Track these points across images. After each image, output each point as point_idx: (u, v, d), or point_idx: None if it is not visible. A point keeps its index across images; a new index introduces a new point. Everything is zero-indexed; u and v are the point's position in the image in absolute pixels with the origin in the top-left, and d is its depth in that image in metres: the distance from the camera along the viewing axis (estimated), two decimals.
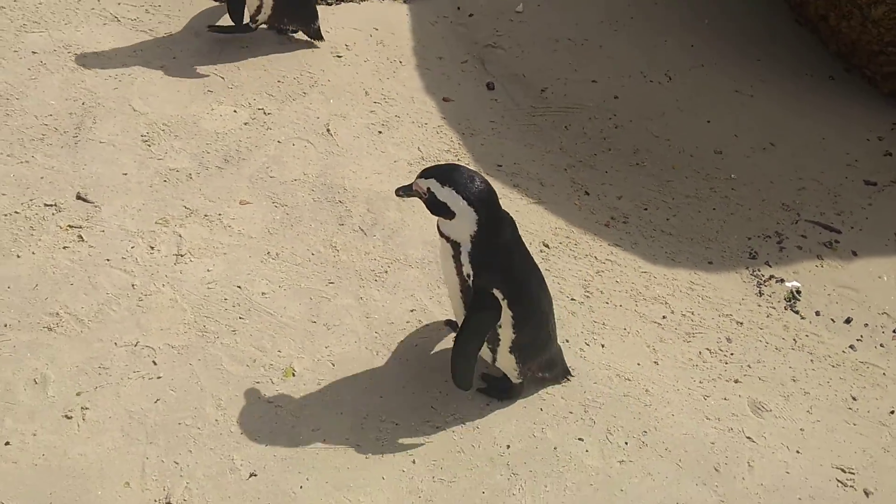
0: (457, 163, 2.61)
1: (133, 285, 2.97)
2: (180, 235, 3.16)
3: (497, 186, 3.66)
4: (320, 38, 4.12)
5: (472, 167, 3.68)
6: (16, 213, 3.11)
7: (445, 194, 2.52)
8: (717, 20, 4.70)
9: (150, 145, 3.48)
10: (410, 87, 4.12)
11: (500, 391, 2.85)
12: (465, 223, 2.54)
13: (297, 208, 3.36)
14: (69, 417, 2.59)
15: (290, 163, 3.55)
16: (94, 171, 3.32)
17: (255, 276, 3.09)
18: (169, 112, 3.65)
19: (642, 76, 4.38)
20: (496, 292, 2.59)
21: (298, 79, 3.96)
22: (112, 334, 2.82)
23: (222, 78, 3.88)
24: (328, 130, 3.74)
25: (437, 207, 2.56)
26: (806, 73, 4.51)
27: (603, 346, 3.08)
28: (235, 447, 2.59)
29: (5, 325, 2.78)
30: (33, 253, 3.00)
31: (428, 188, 2.54)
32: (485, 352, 2.72)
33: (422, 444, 2.68)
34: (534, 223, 3.53)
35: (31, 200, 3.16)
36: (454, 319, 2.91)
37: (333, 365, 2.86)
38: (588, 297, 3.26)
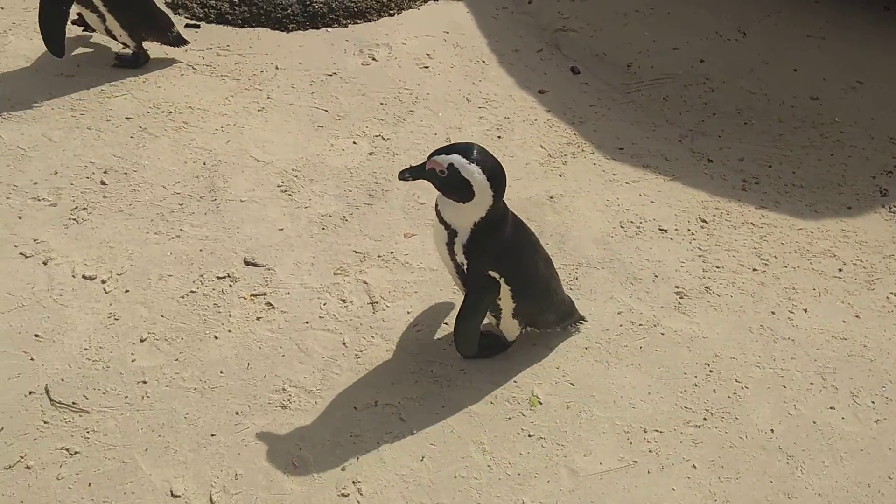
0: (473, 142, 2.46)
1: (344, 343, 2.77)
2: (365, 282, 2.96)
3: (629, 170, 3.62)
4: (183, 42, 3.78)
5: (595, 153, 3.62)
6: (192, 292, 2.86)
7: (471, 172, 2.35)
8: None
9: (290, 195, 3.24)
10: (504, 86, 3.96)
11: (493, 349, 2.78)
12: (477, 209, 2.42)
13: None
14: (345, 496, 2.39)
15: (432, 186, 3.34)
16: (250, 232, 3.07)
17: (454, 312, 2.91)
18: (292, 156, 3.41)
19: (718, 36, 4.30)
20: (492, 273, 2.51)
21: (399, 97, 3.75)
22: (347, 398, 2.61)
23: (326, 111, 3.65)
24: None
25: (457, 187, 2.38)
26: (860, 7, 4.53)
27: (805, 310, 3.03)
28: (519, 489, 2.45)
29: (237, 413, 2.55)
30: (229, 331, 2.76)
31: (450, 164, 2.36)
32: (488, 318, 2.68)
33: (694, 446, 2.57)
34: (680, 200, 3.43)
35: (201, 276, 2.91)
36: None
37: (573, 385, 2.74)
38: (766, 264, 3.19)
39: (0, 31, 3.80)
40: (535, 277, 2.65)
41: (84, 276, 2.88)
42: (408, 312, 2.88)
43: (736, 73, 4.11)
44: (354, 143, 3.50)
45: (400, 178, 2.48)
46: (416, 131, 3.60)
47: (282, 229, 3.11)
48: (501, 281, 2.55)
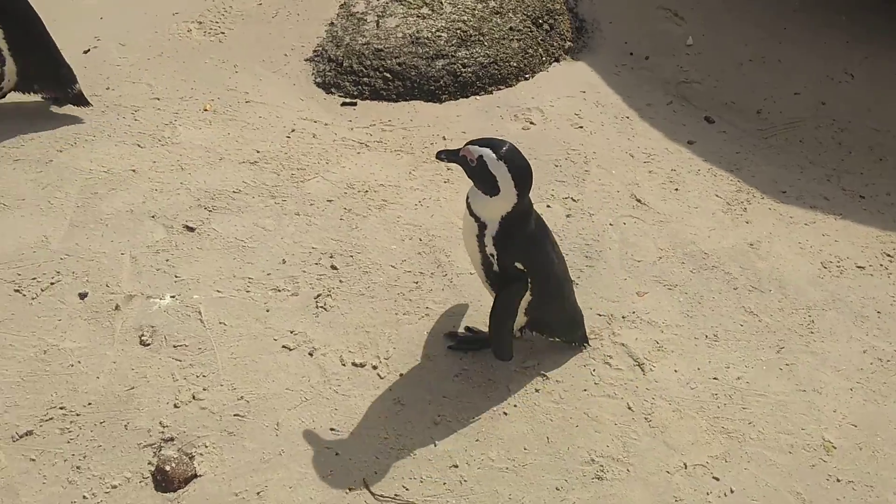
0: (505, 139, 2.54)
1: (629, 407, 2.73)
2: (623, 344, 2.92)
3: (800, 212, 3.70)
4: (84, 102, 3.58)
5: (765, 198, 3.68)
6: (465, 370, 2.78)
7: (498, 168, 2.43)
8: (852, 14, 4.81)
9: None
10: (655, 139, 3.99)
11: (475, 343, 2.84)
12: (503, 203, 2.49)
13: (688, 286, 3.15)
14: None
15: (641, 242, 3.33)
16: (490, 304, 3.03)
17: (718, 364, 2.87)
18: None
19: (830, 79, 4.42)
20: (518, 265, 2.57)
21: (569, 158, 3.71)
22: (656, 463, 2.57)
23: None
24: (638, 200, 3.59)
25: (483, 179, 2.46)
26: None
27: None
28: None
29: (557, 489, 2.45)
30: (515, 405, 2.65)
31: (480, 156, 2.44)
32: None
33: None
34: (858, 237, 3.48)
35: (463, 353, 2.85)
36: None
37: (855, 426, 2.71)
38: None
39: (166, 122, 3.68)
40: (552, 273, 2.68)
41: (354, 364, 2.78)
42: (675, 371, 2.86)
43: (857, 113, 4.22)
44: (548, 206, 3.48)
45: (436, 158, 2.57)
46: (600, 190, 3.60)
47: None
48: (525, 272, 2.58)
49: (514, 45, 4.25)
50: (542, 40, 4.38)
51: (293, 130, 3.72)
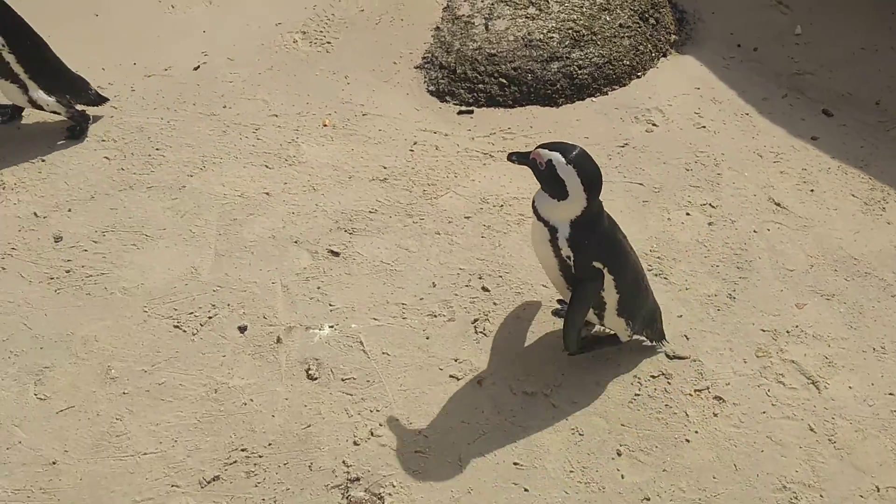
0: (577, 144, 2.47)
1: (811, 429, 2.60)
2: (793, 361, 2.79)
3: None
4: (103, 100, 3.58)
5: None
6: (637, 395, 2.67)
7: (567, 173, 2.38)
8: None
9: (666, 278, 3.05)
10: (779, 136, 3.82)
11: (598, 346, 2.81)
12: (572, 206, 2.43)
13: (845, 295, 3.02)
14: None
15: (789, 250, 3.19)
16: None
17: (891, 378, 2.76)
18: (640, 236, 3.21)
19: None
20: (596, 264, 2.50)
21: (699, 161, 3.57)
22: (848, 485, 2.48)
23: (640, 184, 3.47)
24: (777, 204, 3.46)
25: (552, 184, 2.42)
26: None
27: None
28: None
29: None
30: (696, 432, 2.58)
31: (549, 161, 2.39)
32: (591, 316, 2.67)
33: None
34: None
35: (636, 378, 2.73)
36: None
37: None
38: None
39: (289, 140, 3.59)
40: (631, 269, 2.63)
41: (525, 392, 2.68)
42: (849, 387, 2.76)
43: None
44: (688, 214, 3.36)
45: (508, 159, 2.53)
46: (736, 194, 3.47)
47: (680, 316, 2.95)
48: (605, 271, 2.52)
49: (626, 42, 4.10)
50: (650, 35, 4.22)
51: (415, 143, 3.62)
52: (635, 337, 2.77)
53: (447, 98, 3.90)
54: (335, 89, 3.88)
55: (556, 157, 2.39)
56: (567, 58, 3.95)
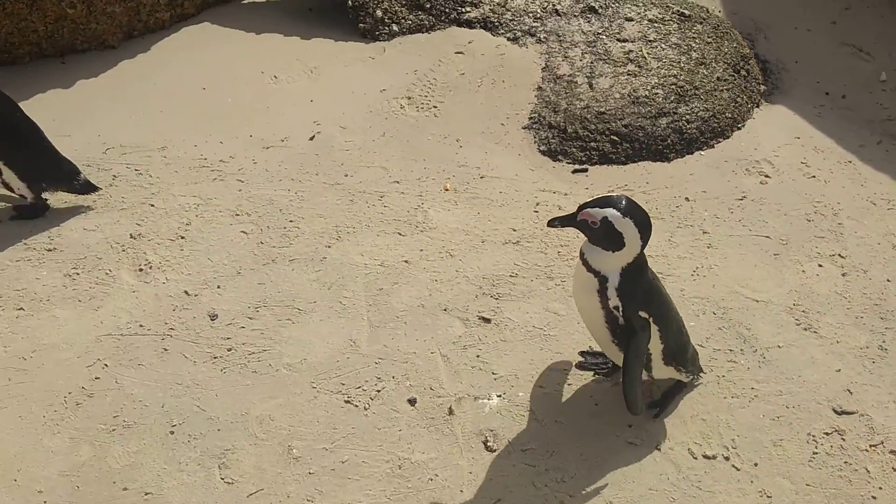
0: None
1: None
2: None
3: None
4: (93, 188, 3.50)
5: None
6: (815, 454, 2.65)
7: (624, 225, 2.38)
8: None
9: (815, 332, 3.05)
10: (886, 183, 3.84)
11: (672, 398, 2.80)
12: (627, 254, 2.43)
13: None
14: None
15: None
16: (813, 378, 2.86)
17: None
18: (779, 290, 3.22)
19: None
20: (642, 314, 2.49)
21: (818, 211, 3.58)
22: None
23: (767, 237, 3.47)
24: None
25: (610, 238, 2.40)
26: None
27: None
28: None
29: None
30: (880, 487, 2.60)
31: (604, 218, 2.38)
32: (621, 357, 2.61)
33: None
34: None
35: (810, 436, 2.70)
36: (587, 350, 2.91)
37: None
38: None
39: (415, 207, 3.59)
40: (672, 316, 2.63)
41: (705, 456, 2.65)
42: None
43: None
44: (820, 265, 3.36)
45: (549, 226, 2.53)
46: (861, 244, 3.47)
47: (838, 370, 2.94)
48: (651, 321, 2.51)
49: (725, 95, 4.15)
50: (744, 87, 4.27)
51: (538, 203, 3.64)
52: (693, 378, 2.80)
53: (560, 157, 3.93)
54: (449, 153, 3.91)
55: (611, 212, 2.38)
56: (674, 113, 3.99)
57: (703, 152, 4.00)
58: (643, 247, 2.45)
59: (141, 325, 3.04)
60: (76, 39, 4.30)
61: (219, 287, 3.20)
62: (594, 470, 2.64)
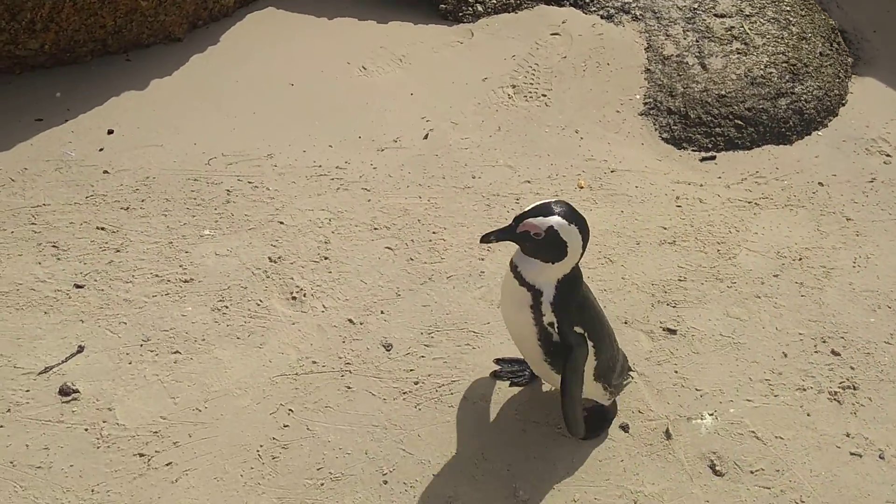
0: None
1: None
2: None
3: None
4: None
5: None
6: None
7: (570, 233, 2.18)
8: None
9: None
10: None
11: (600, 422, 2.61)
12: (566, 265, 2.24)
13: None
14: None
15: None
16: None
17: None
18: None
19: None
20: (577, 329, 2.32)
21: None
22: None
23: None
24: None
25: (553, 249, 2.19)
26: None
27: None
28: None
29: None
30: None
31: (550, 227, 2.17)
32: (556, 379, 2.43)
33: None
34: None
35: None
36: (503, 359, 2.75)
37: None
38: None
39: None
40: (606, 330, 2.47)
41: None
42: None
43: None
44: None
45: (482, 242, 2.27)
46: None
47: None
48: (585, 336, 2.33)
49: (829, 70, 3.99)
50: (840, 61, 4.14)
51: (677, 198, 3.44)
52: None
53: (684, 145, 3.73)
54: (572, 146, 3.67)
55: (557, 220, 2.16)
56: (792, 93, 3.83)
57: (819, 132, 3.85)
58: (581, 255, 2.24)
59: (314, 362, 2.77)
60: (142, 33, 3.84)
61: (382, 312, 2.93)
62: (828, 486, 2.51)
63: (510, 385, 2.71)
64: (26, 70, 3.69)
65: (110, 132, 3.52)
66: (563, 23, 4.17)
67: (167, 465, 2.46)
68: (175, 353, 2.76)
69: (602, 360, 2.42)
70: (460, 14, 4.24)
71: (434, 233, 3.22)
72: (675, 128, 3.75)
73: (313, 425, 2.59)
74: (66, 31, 3.56)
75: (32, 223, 3.13)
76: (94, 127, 3.56)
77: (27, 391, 2.61)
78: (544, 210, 2.17)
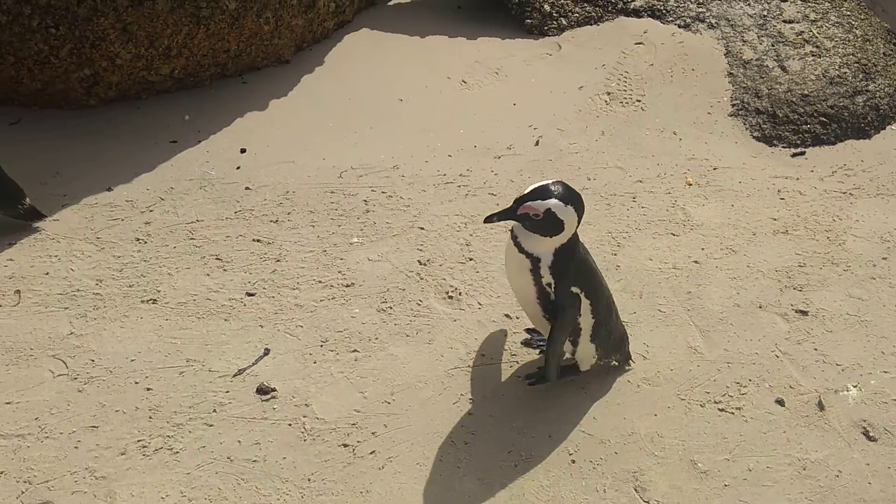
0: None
1: None
2: None
3: None
4: (38, 216, 3.20)
5: None
6: None
7: (566, 213, 2.35)
8: None
9: None
10: None
11: (565, 374, 2.74)
12: (563, 237, 2.40)
13: None
14: None
15: None
16: None
17: None
18: None
19: None
20: (574, 289, 2.49)
21: None
22: None
23: None
24: None
25: (550, 227, 2.36)
26: None
27: None
28: None
29: None
30: None
31: (548, 209, 2.33)
32: (566, 345, 2.63)
33: None
34: None
35: None
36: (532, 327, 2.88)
37: None
38: None
39: (670, 205, 3.54)
40: (603, 292, 2.63)
41: None
42: None
43: None
44: None
45: (486, 222, 2.45)
46: None
47: None
48: (582, 295, 2.51)
49: (894, 69, 4.24)
50: None
51: (779, 191, 3.64)
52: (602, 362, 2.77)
53: (775, 142, 3.94)
54: (673, 147, 3.86)
55: (554, 202, 2.32)
56: (867, 90, 4.05)
57: (893, 126, 4.09)
58: (577, 226, 2.41)
59: (483, 355, 2.91)
60: (258, 56, 3.98)
61: None
62: None
63: (539, 353, 2.87)
64: (152, 95, 3.82)
65: (243, 151, 3.67)
66: (645, 33, 4.37)
67: (371, 453, 2.60)
68: (354, 351, 2.90)
69: (598, 319, 2.57)
70: (545, 28, 4.43)
71: None
72: (765, 126, 3.96)
73: (495, 412, 2.74)
74: (196, 56, 3.69)
75: (191, 238, 3.26)
76: (227, 147, 3.69)
77: (227, 392, 2.74)
78: (542, 193, 2.33)
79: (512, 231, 2.45)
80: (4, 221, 3.21)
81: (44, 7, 3.20)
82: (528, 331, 2.95)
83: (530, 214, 2.32)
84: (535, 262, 2.40)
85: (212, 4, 3.54)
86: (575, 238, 2.42)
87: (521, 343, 2.92)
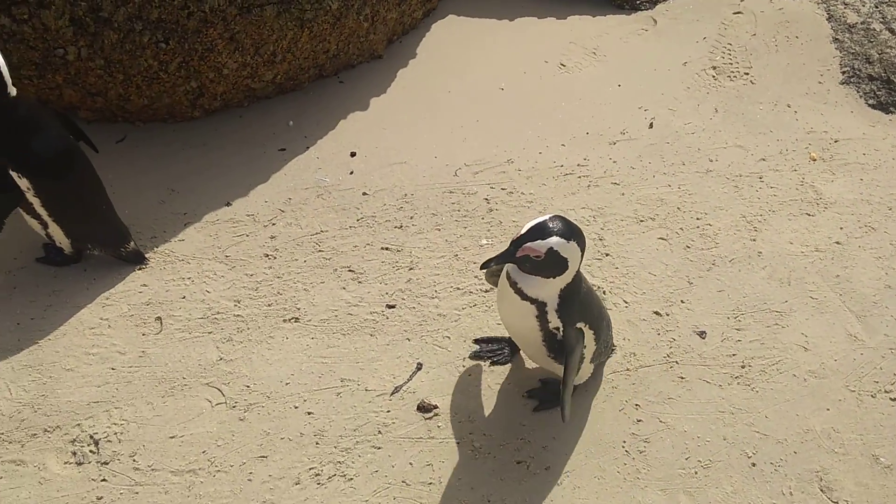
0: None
1: None
2: None
3: None
4: (141, 259, 3.04)
5: None
6: None
7: (570, 250, 2.13)
8: None
9: None
10: None
11: (552, 396, 2.58)
12: (568, 276, 2.20)
13: None
14: None
15: None
16: None
17: None
18: None
19: None
20: (579, 325, 2.32)
21: None
22: None
23: None
24: None
25: (553, 267, 2.14)
26: None
27: None
28: None
29: None
30: None
31: (550, 249, 2.10)
32: (557, 368, 2.44)
33: None
34: None
35: None
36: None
37: None
38: None
39: (798, 183, 3.33)
40: (604, 319, 2.49)
41: None
42: None
43: None
44: None
45: (482, 269, 2.20)
46: None
47: None
48: (585, 328, 2.34)
49: None
50: None
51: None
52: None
53: (891, 109, 3.67)
54: (789, 121, 3.61)
55: (556, 241, 2.09)
56: None
57: None
58: (580, 263, 2.20)
59: (636, 356, 2.76)
60: (353, 54, 3.77)
61: (682, 301, 2.90)
62: None
63: (490, 365, 2.68)
64: (253, 102, 3.64)
65: (353, 154, 3.48)
66: (742, 1, 4.10)
67: (546, 468, 2.46)
68: (507, 361, 2.76)
69: (599, 344, 2.44)
70: (637, 2, 4.17)
71: (698, 219, 3.19)
72: (880, 93, 3.70)
73: (664, 417, 2.59)
74: (298, 60, 3.49)
75: (319, 250, 3.11)
76: (336, 151, 3.51)
77: (388, 412, 2.61)
78: (542, 232, 2.10)
79: (509, 277, 2.20)
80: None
81: (154, 22, 3.00)
82: (476, 341, 2.73)
83: (531, 256, 2.09)
84: (540, 307, 2.20)
85: (315, 6, 3.31)
86: (579, 275, 2.22)
87: (470, 356, 2.69)
